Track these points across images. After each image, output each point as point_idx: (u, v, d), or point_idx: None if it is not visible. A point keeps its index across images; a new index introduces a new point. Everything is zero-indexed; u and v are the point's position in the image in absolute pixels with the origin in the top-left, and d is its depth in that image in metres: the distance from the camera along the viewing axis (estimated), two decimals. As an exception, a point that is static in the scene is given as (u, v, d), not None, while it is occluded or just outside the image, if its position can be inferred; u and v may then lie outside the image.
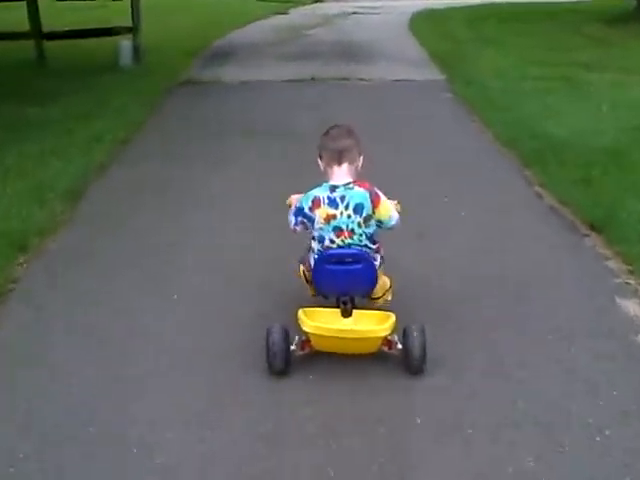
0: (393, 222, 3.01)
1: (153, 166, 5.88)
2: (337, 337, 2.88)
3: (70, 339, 3.24)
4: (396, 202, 3.12)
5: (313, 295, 3.23)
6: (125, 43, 10.37)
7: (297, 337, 2.96)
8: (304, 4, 22.04)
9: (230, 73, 10.19)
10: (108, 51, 10.64)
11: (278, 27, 15.20)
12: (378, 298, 3.20)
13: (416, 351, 2.88)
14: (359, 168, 3.00)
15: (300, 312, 2.93)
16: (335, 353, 2.97)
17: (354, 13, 18.12)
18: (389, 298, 3.23)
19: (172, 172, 5.68)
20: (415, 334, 2.89)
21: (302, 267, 3.25)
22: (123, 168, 5.90)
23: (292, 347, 2.93)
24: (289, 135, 6.65)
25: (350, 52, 11.87)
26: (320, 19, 16.76)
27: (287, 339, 2.91)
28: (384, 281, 3.18)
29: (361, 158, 2.99)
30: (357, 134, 3.00)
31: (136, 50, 10.73)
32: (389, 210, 2.98)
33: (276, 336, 2.90)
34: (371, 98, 8.40)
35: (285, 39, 13.42)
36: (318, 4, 22.36)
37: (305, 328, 2.89)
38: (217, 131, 6.96)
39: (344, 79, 9.53)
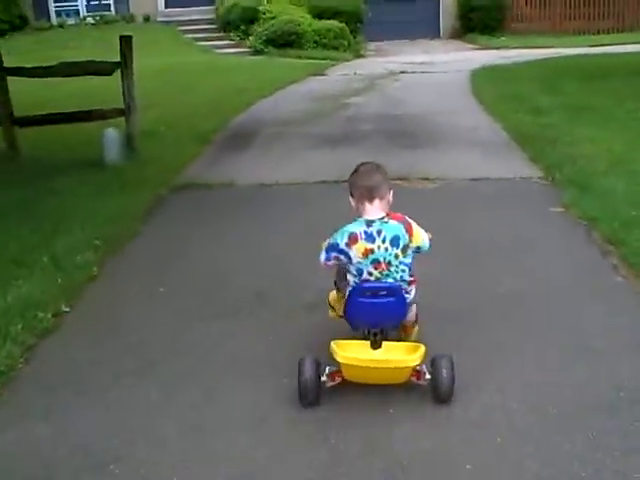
0: (427, 245, 3.18)
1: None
2: (369, 367, 3.02)
3: None
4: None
5: (340, 317, 3.33)
6: (111, 133, 7.86)
7: (327, 368, 3.10)
8: (346, 60, 19.51)
9: (247, 169, 7.65)
10: (98, 139, 8.15)
11: (312, 95, 12.63)
12: (410, 334, 3.39)
13: (445, 381, 3.01)
14: (390, 202, 3.15)
15: (332, 344, 3.06)
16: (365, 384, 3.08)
17: (402, 72, 15.45)
18: (416, 330, 3.41)
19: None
20: (444, 364, 3.02)
21: (333, 292, 3.47)
22: None
23: (323, 378, 3.08)
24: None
25: (403, 131, 9.22)
26: (362, 82, 14.16)
27: (318, 371, 3.05)
28: (415, 327, 3.39)
29: (391, 192, 3.15)
30: (384, 170, 3.18)
31: (129, 139, 8.21)
32: (422, 235, 3.15)
33: (308, 368, 3.03)
34: (442, 214, 5.79)
35: (320, 112, 10.84)
36: (360, 60, 19.83)
37: (338, 359, 3.02)
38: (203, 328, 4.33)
39: (400, 179, 6.84)
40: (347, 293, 3.17)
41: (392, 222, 3.08)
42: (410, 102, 11.55)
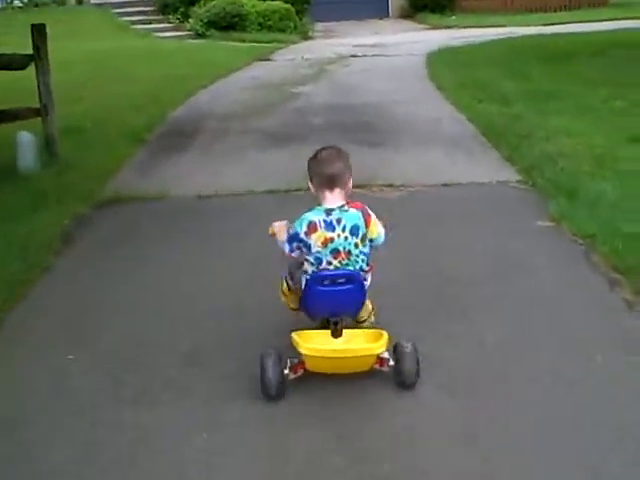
0: (382, 239, 3.12)
1: None
2: (333, 357, 2.98)
3: None
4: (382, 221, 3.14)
5: (292, 309, 3.36)
6: (24, 136, 6.79)
7: (289, 360, 3.01)
8: (293, 42, 18.46)
9: (184, 176, 6.67)
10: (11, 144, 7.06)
11: (257, 83, 11.62)
12: (364, 321, 3.28)
13: (409, 367, 2.99)
14: (350, 190, 3.09)
15: (294, 335, 2.99)
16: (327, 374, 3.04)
17: (352, 56, 14.50)
18: (372, 319, 3.32)
19: None
20: (408, 350, 3.00)
21: (286, 282, 3.34)
22: None
23: (285, 371, 2.98)
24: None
25: (359, 125, 8.30)
26: (311, 68, 13.18)
27: (280, 364, 2.96)
28: (367, 304, 3.23)
29: (351, 180, 3.07)
30: (346, 155, 3.10)
31: (48, 142, 7.13)
32: (379, 228, 3.08)
33: (269, 362, 2.95)
34: (409, 232, 4.93)
35: (266, 103, 9.87)
36: (308, 42, 18.81)
37: (302, 350, 2.95)
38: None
39: (360, 187, 5.90)
40: (304, 282, 3.09)
41: (352, 210, 3.00)
42: (364, 90, 10.64)
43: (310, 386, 3.12)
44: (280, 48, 17.06)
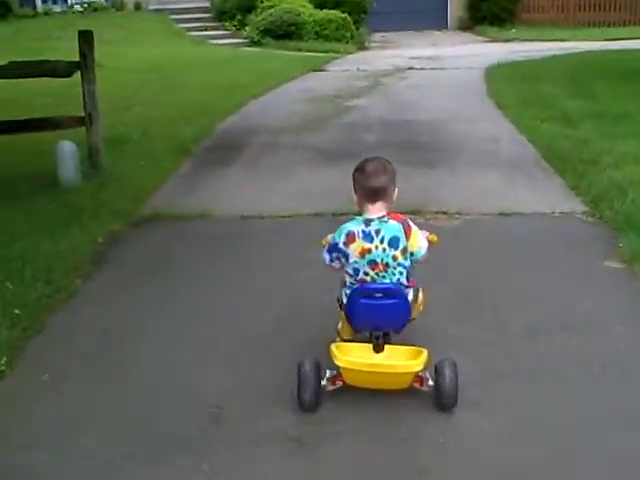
0: (422, 252, 3.03)
1: None
2: (370, 372, 2.92)
3: None
4: (428, 233, 3.17)
5: (348, 335, 3.27)
6: (66, 147, 6.58)
7: (328, 371, 3.00)
8: (349, 52, 18.13)
9: (228, 193, 6.40)
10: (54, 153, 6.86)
11: (311, 95, 11.30)
12: (413, 319, 3.17)
13: (448, 389, 2.89)
14: (394, 201, 3.02)
15: (332, 346, 2.98)
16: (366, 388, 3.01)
17: (409, 69, 14.10)
18: (421, 309, 3.27)
19: None
20: (447, 371, 2.90)
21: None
22: None
23: (323, 382, 2.97)
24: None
25: (414, 144, 7.92)
26: (366, 80, 12.82)
27: (318, 374, 2.94)
28: (418, 304, 3.21)
29: (396, 191, 3.02)
30: (392, 167, 3.00)
31: (91, 153, 6.92)
32: (420, 241, 3.01)
33: (309, 373, 2.91)
34: (464, 270, 4.61)
35: (319, 117, 9.53)
36: (364, 53, 18.46)
37: (338, 363, 2.93)
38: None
39: (413, 213, 5.54)
40: (344, 296, 3.08)
41: (392, 222, 2.96)
42: (420, 105, 10.23)
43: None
44: (336, 58, 16.75)
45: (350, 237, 2.99)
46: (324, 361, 3.03)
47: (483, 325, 3.83)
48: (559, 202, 5.82)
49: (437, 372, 2.97)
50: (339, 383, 3.03)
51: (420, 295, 3.28)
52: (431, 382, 2.99)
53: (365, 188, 2.97)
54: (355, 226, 2.99)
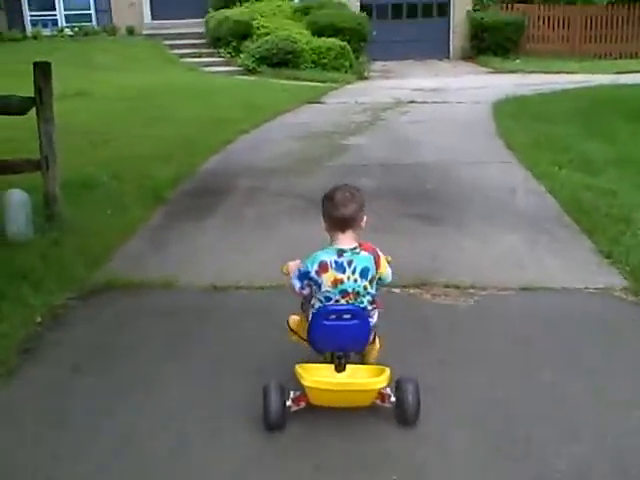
0: (389, 279, 3.19)
1: None
2: (335, 390, 3.03)
3: None
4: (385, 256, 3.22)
5: (303, 339, 3.29)
6: (15, 195, 5.66)
7: (292, 392, 3.10)
8: (348, 82, 17.28)
9: (201, 254, 5.47)
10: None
11: (305, 130, 10.40)
12: (369, 353, 3.30)
13: (410, 405, 3.01)
14: (362, 227, 3.08)
15: (297, 367, 3.07)
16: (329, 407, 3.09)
17: (411, 102, 13.23)
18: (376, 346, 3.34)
19: None
20: (409, 388, 3.02)
21: (294, 317, 3.44)
22: None
23: (288, 403, 3.06)
24: None
25: (418, 194, 7.01)
26: (365, 114, 11.94)
27: (283, 397, 3.04)
28: (375, 345, 3.31)
29: (365, 218, 3.07)
30: (361, 195, 3.07)
31: (47, 202, 6.00)
32: (386, 267, 3.14)
33: (274, 396, 3.02)
34: (484, 375, 3.70)
35: (312, 157, 8.62)
36: (363, 83, 17.63)
37: (305, 383, 3.02)
38: None
39: (417, 286, 4.61)
40: (310, 316, 3.11)
41: (363, 253, 3.04)
42: (423, 145, 9.33)
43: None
44: (333, 89, 15.92)
45: (323, 267, 3.02)
46: (290, 383, 3.10)
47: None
48: (592, 274, 4.89)
49: (398, 388, 3.05)
50: (302, 404, 3.10)
51: (376, 344, 3.35)
52: (393, 398, 3.07)
53: (334, 217, 3.01)
54: (328, 256, 3.02)
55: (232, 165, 8.52)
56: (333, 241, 3.07)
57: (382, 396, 3.10)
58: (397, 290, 4.63)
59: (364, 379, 3.09)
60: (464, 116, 11.66)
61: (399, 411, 3.06)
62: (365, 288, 3.06)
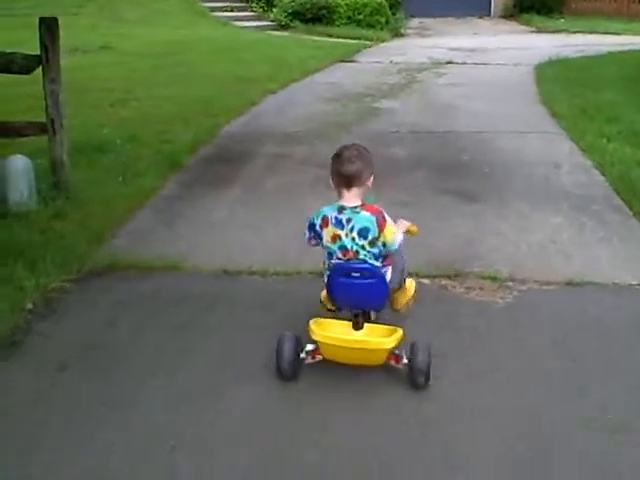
0: (396, 246, 3.15)
1: None
2: (343, 347, 3.06)
3: None
4: (410, 224, 3.33)
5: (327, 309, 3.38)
6: (16, 162, 5.28)
7: (308, 345, 3.15)
8: (383, 40, 16.58)
9: (214, 233, 5.06)
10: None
11: (335, 92, 9.84)
12: (399, 301, 3.46)
13: (420, 367, 3.04)
14: (370, 187, 3.13)
15: (311, 322, 3.12)
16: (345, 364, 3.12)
17: (449, 63, 12.56)
18: (410, 303, 3.51)
19: None
20: (420, 350, 3.05)
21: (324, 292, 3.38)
22: None
23: (302, 355, 3.13)
24: None
25: (453, 166, 6.52)
26: (399, 75, 11.32)
27: (297, 347, 3.11)
28: (406, 294, 3.48)
29: (372, 177, 3.11)
30: (368, 154, 3.12)
31: (54, 169, 5.60)
32: (393, 233, 3.11)
33: (286, 343, 3.09)
34: (523, 386, 3.24)
35: (341, 121, 8.12)
36: (399, 41, 16.92)
37: (313, 337, 3.08)
38: None
39: (450, 276, 4.13)
40: (326, 273, 3.16)
41: (364, 213, 3.05)
42: (460, 111, 8.74)
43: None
44: (368, 47, 15.26)
45: (324, 221, 3.10)
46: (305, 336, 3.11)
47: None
48: (646, 267, 4.33)
49: (411, 351, 3.06)
50: (318, 357, 3.15)
51: (409, 285, 3.50)
52: (405, 360, 3.08)
53: (339, 174, 3.05)
54: (330, 211, 3.10)
55: (256, 128, 8.03)
56: (339, 198, 3.11)
57: (396, 357, 3.12)
58: (427, 281, 4.15)
59: (369, 337, 3.10)
60: (504, 79, 11.00)
61: (410, 373, 3.09)
62: (364, 247, 3.07)
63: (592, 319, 3.79)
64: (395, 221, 3.23)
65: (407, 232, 3.32)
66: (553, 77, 10.62)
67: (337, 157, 3.11)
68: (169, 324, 3.74)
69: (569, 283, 4.18)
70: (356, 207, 3.06)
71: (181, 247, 4.70)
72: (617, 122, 7.77)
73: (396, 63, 12.69)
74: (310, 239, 3.25)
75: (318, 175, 6.24)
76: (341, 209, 3.07)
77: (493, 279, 4.21)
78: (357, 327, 3.13)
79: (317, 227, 3.15)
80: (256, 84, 10.18)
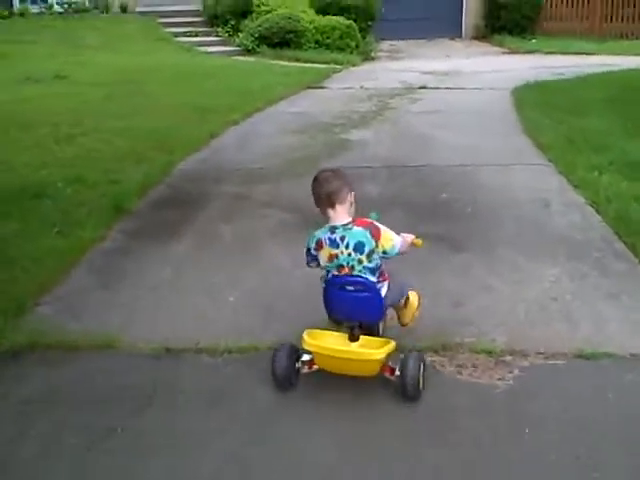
0: (396, 250, 3.21)
1: None
2: (335, 357, 3.14)
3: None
4: (413, 237, 3.39)
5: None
6: None
7: (305, 355, 3.22)
8: (353, 64, 15.96)
9: (158, 299, 4.28)
10: None
11: (302, 122, 9.16)
12: (406, 324, 3.56)
13: (410, 379, 3.08)
14: (353, 204, 3.21)
15: (305, 333, 3.20)
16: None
17: (422, 88, 11.95)
18: (416, 314, 3.56)
19: None
20: (412, 362, 3.11)
21: None
22: None
23: (298, 365, 3.23)
24: None
25: (431, 206, 5.88)
26: (371, 101, 10.67)
27: (293, 357, 3.21)
28: (411, 310, 3.54)
29: (352, 194, 3.21)
30: (344, 173, 3.25)
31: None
32: (391, 240, 3.18)
33: (282, 354, 3.20)
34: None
35: (306, 156, 7.37)
36: (369, 64, 16.32)
37: (305, 346, 3.17)
38: None
39: (436, 351, 3.47)
40: (323, 287, 3.27)
41: (356, 228, 3.15)
42: (437, 142, 8.08)
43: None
44: (337, 71, 14.62)
45: (319, 244, 3.21)
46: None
47: None
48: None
49: (402, 363, 3.11)
50: (315, 367, 3.23)
51: (412, 299, 3.54)
52: (397, 372, 3.12)
53: (320, 195, 3.15)
54: (322, 234, 3.20)
55: (214, 165, 7.31)
56: (328, 220, 3.18)
57: (390, 369, 3.16)
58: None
59: (358, 348, 3.15)
60: (482, 106, 10.38)
61: (400, 385, 3.11)
62: (360, 262, 3.14)
63: (616, 409, 3.07)
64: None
65: (413, 244, 3.38)
66: (533, 102, 10.02)
67: (315, 181, 3.19)
68: (91, 435, 2.97)
69: (579, 355, 3.50)
70: (347, 224, 3.15)
71: (118, 317, 3.96)
72: (607, 151, 7.16)
73: (367, 89, 12.05)
74: (309, 263, 3.33)
75: (283, 220, 5.54)
76: (333, 229, 3.16)
77: (488, 353, 3.52)
78: (353, 339, 3.18)
79: (312, 251, 3.24)
80: (217, 114, 9.48)
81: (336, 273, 3.20)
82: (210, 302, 4.17)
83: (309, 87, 12.42)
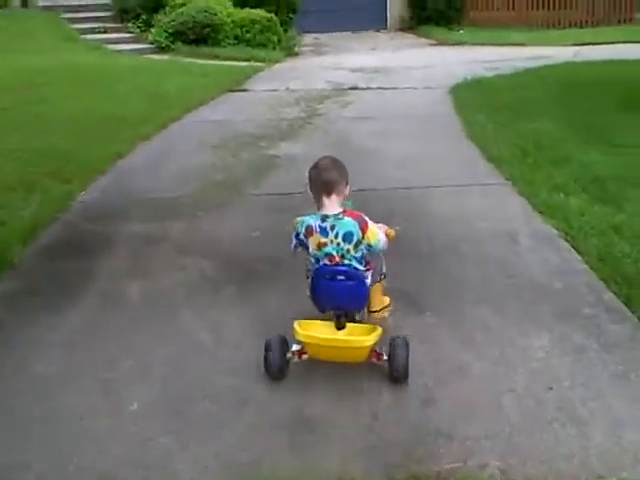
0: (380, 245, 3.31)
1: None
2: (326, 345, 3.22)
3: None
4: (387, 227, 3.44)
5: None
6: None
7: (295, 346, 3.28)
8: (276, 61, 14.91)
9: (29, 407, 3.07)
10: None
11: (224, 134, 8.12)
12: (376, 311, 3.50)
13: (398, 363, 3.20)
14: (346, 196, 3.29)
15: (295, 323, 3.24)
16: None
17: (352, 88, 11.00)
18: (386, 315, 3.54)
19: None
20: (398, 346, 3.22)
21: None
22: None
23: (288, 355, 3.28)
24: None
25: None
26: (298, 106, 9.67)
27: (284, 347, 3.26)
28: (382, 299, 3.54)
29: (348, 187, 3.29)
30: (342, 164, 3.28)
31: None
32: (377, 235, 3.29)
33: (274, 345, 3.24)
34: None
35: (230, 180, 6.38)
36: (293, 61, 15.31)
37: (297, 337, 3.23)
38: None
39: (395, 466, 2.47)
40: (310, 276, 3.30)
41: (347, 219, 3.21)
42: (376, 157, 7.16)
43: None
44: (260, 70, 13.59)
45: (309, 230, 3.23)
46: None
47: None
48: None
49: (390, 348, 3.20)
50: (305, 357, 3.29)
51: (386, 298, 3.57)
52: (385, 357, 3.20)
53: (319, 182, 3.20)
54: (313, 221, 3.23)
55: (119, 195, 6.22)
56: (319, 208, 3.23)
57: (377, 354, 3.23)
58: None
59: (348, 336, 3.22)
60: (419, 109, 9.50)
61: (389, 369, 3.20)
62: (349, 251, 3.21)
63: None
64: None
65: (387, 236, 3.36)
66: (474, 103, 9.20)
67: (314, 168, 3.25)
68: None
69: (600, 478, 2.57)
70: (338, 214, 3.19)
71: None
72: (566, 165, 6.40)
73: (293, 90, 11.06)
74: (295, 247, 3.34)
75: (203, 272, 4.52)
76: (324, 218, 3.20)
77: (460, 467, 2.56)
78: (339, 327, 3.24)
79: (302, 236, 3.26)
80: (126, 127, 8.34)
81: (327, 262, 3.22)
82: (105, 403, 3.12)
83: (230, 89, 11.39)
